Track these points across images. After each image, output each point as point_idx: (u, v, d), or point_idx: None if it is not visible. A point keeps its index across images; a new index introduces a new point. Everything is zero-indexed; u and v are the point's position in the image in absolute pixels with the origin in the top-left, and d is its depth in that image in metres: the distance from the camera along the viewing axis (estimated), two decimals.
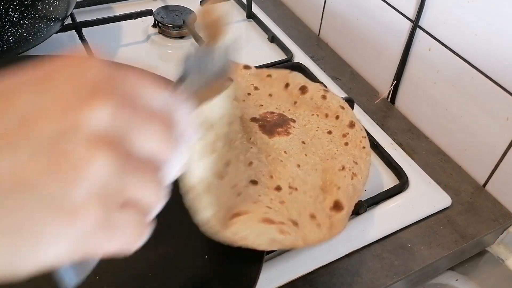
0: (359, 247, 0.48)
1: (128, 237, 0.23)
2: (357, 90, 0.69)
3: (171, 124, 0.23)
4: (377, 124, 0.63)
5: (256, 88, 0.54)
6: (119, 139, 0.21)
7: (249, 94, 0.53)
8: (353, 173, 0.45)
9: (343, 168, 0.45)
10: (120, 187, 0.21)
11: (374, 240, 0.49)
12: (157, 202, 0.24)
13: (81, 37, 0.66)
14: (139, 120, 0.22)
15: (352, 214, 0.50)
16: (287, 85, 0.54)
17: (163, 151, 0.23)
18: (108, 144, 0.21)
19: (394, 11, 0.63)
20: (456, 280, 0.57)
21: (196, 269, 0.37)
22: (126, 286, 0.36)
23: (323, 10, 0.77)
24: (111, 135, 0.21)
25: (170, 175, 0.25)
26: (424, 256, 0.49)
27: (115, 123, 0.21)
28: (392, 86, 0.66)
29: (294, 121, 0.49)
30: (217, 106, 0.40)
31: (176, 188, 0.43)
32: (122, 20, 0.70)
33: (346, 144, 0.49)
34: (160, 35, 0.73)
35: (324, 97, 0.52)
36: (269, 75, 0.55)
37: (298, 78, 0.55)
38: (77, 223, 0.20)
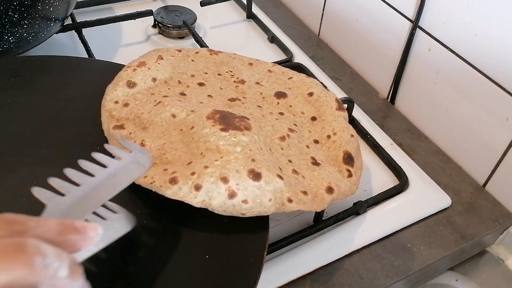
0: (359, 247, 0.48)
1: None
2: (357, 90, 0.69)
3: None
4: (377, 124, 0.63)
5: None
6: None
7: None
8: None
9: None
10: None
11: (374, 240, 0.49)
12: None
13: (81, 37, 0.66)
14: None
15: (352, 214, 0.50)
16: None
17: None
18: None
19: (394, 11, 0.63)
20: (456, 280, 0.57)
21: (196, 269, 0.37)
22: (127, 286, 0.36)
23: (323, 10, 0.77)
24: None
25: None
26: (424, 256, 0.49)
27: None
28: (392, 87, 0.66)
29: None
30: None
31: None
32: (122, 21, 0.70)
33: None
34: (160, 36, 0.73)
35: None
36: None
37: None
38: None
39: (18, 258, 0.21)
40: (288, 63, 0.68)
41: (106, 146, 0.37)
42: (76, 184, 0.30)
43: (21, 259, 0.21)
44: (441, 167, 0.59)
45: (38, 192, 0.28)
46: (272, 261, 0.45)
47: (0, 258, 0.21)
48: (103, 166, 0.33)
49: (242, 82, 0.52)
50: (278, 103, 0.50)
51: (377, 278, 0.46)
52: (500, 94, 0.52)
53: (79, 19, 0.69)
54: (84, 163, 0.32)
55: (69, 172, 0.31)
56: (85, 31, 0.67)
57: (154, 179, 0.38)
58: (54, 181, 0.29)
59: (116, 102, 0.46)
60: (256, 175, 0.38)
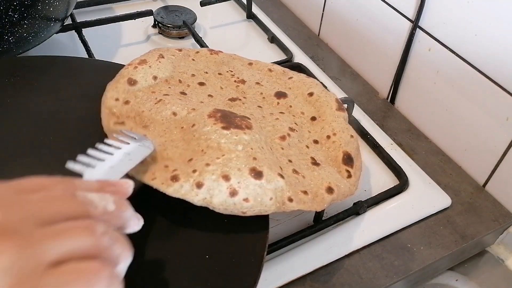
0: (359, 247, 0.48)
1: None
2: (357, 90, 0.69)
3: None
4: (377, 124, 0.63)
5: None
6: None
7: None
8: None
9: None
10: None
11: (374, 240, 0.49)
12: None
13: (81, 37, 0.66)
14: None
15: (352, 214, 0.50)
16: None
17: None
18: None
19: (394, 11, 0.63)
20: (456, 280, 0.57)
21: (196, 269, 0.37)
22: (126, 285, 0.36)
23: (323, 10, 0.77)
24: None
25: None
26: (424, 256, 0.49)
27: None
28: (392, 87, 0.66)
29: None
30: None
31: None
32: (122, 21, 0.70)
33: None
34: (160, 35, 0.73)
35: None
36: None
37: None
38: None
39: (73, 202, 0.28)
40: (288, 63, 0.68)
41: (114, 135, 0.41)
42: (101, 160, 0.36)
43: (76, 202, 0.28)
44: (441, 167, 0.59)
45: (72, 165, 0.33)
46: (272, 261, 0.45)
47: (63, 203, 0.28)
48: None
49: (243, 82, 0.52)
50: (278, 103, 0.50)
51: (377, 278, 0.46)
52: (500, 94, 0.52)
53: (79, 19, 0.69)
54: (100, 146, 0.37)
55: (92, 152, 0.35)
56: (85, 31, 0.67)
57: (156, 175, 0.38)
58: (82, 158, 0.34)
59: (117, 100, 0.46)
60: (257, 174, 0.38)
